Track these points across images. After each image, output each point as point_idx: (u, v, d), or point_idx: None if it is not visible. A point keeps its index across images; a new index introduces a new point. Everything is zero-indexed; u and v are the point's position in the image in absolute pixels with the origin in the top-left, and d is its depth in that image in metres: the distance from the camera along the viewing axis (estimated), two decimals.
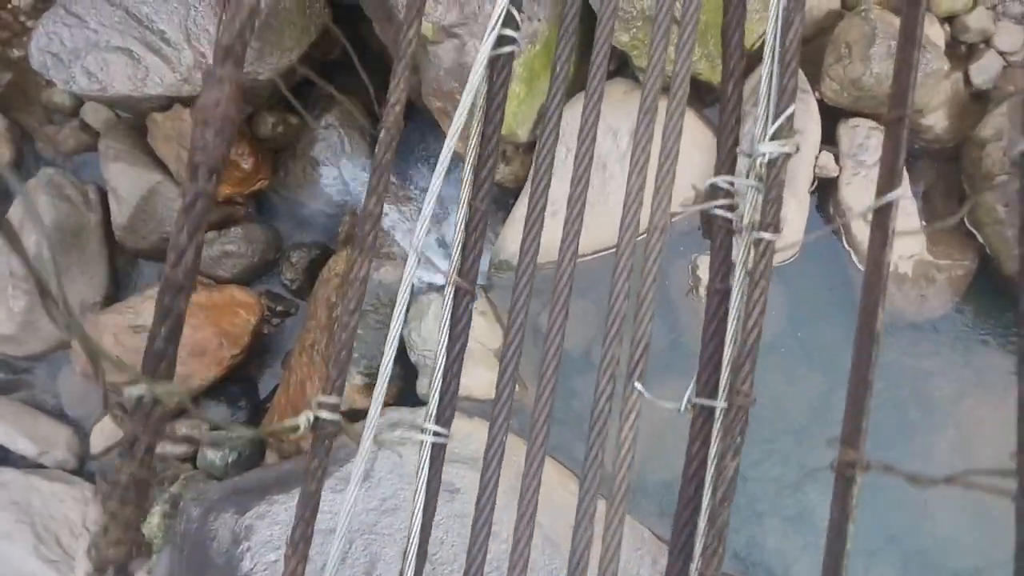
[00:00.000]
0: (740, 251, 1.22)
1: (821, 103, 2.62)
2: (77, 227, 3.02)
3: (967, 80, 2.70)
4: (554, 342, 1.30)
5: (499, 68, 1.46)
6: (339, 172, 3.21)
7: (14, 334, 2.92)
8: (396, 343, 1.45)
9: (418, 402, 2.62)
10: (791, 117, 1.21)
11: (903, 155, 1.10)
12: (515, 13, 1.41)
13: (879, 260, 1.06)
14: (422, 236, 1.30)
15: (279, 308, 3.18)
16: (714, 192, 1.30)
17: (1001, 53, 2.67)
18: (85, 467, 2.94)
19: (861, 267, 2.64)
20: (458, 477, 2.25)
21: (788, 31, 1.27)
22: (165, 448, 2.92)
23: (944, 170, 2.77)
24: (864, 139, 2.59)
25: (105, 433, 2.94)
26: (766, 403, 2.62)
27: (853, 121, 2.63)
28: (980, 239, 2.63)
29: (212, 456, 2.85)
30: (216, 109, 0.83)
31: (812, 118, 2.58)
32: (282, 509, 2.09)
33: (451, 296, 1.44)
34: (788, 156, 1.19)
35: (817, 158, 2.60)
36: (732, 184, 1.28)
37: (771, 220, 1.17)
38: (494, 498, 1.38)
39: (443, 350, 1.40)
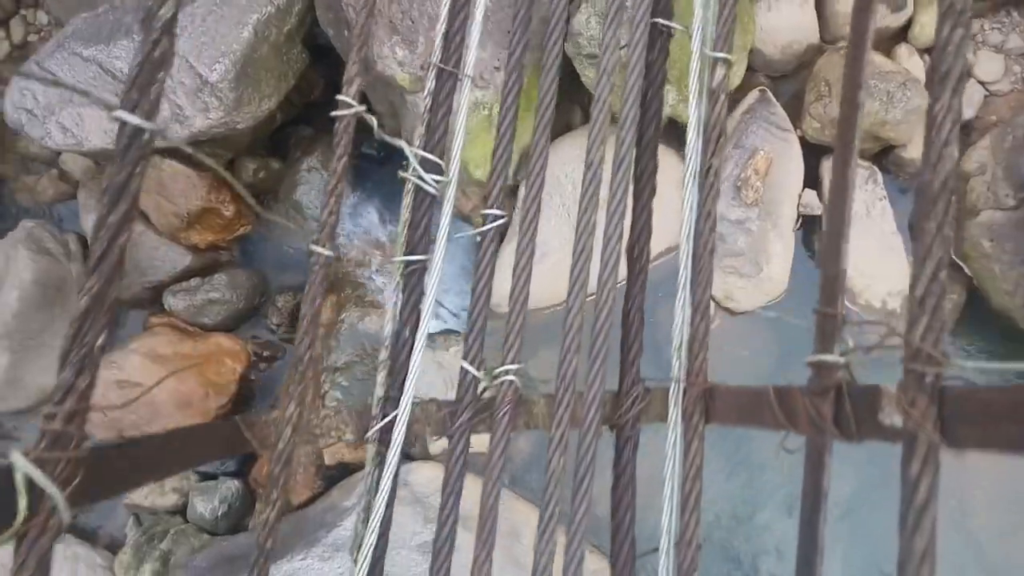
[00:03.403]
0: None
1: (803, 140, 2.60)
2: (59, 280, 2.98)
3: None
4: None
5: None
6: None
7: None
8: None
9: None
10: None
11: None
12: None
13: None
14: None
15: (266, 353, 3.15)
16: None
17: (982, 83, 2.66)
18: (76, 523, 2.90)
19: (847, 301, 2.62)
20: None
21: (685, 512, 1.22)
22: (155, 502, 2.89)
23: None
24: None
25: None
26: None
27: None
28: (967, 272, 2.62)
29: (201, 509, 2.82)
30: None
31: (794, 157, 2.57)
32: None
33: None
34: None
35: (800, 196, 2.58)
36: None
37: None
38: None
39: None
